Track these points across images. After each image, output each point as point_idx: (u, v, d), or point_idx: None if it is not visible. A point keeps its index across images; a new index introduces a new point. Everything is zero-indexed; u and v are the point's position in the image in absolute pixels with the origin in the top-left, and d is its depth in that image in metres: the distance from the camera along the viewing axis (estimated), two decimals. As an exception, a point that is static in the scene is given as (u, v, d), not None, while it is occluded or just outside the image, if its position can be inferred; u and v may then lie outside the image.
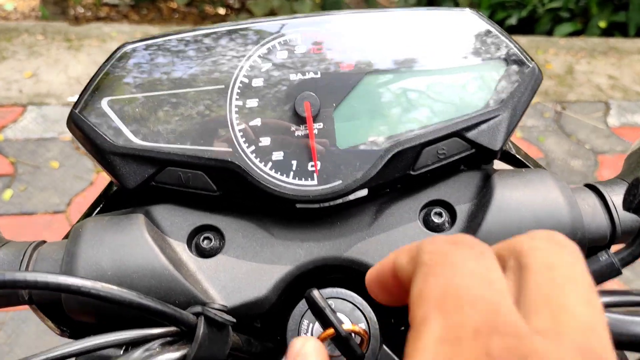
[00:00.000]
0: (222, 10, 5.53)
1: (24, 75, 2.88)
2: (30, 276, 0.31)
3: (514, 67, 0.48)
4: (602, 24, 4.30)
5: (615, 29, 4.36)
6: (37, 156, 2.38)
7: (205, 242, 0.45)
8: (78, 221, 0.49)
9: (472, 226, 0.45)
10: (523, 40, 3.89)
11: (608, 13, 4.34)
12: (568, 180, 2.55)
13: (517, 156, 0.54)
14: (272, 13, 4.83)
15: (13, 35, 3.26)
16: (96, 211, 0.50)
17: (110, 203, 0.51)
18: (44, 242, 0.45)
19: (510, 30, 4.45)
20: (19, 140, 2.45)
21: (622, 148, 2.85)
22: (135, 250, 0.42)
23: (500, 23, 4.54)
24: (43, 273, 0.32)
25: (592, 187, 0.48)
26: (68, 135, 2.45)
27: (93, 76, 0.46)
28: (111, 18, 5.30)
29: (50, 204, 2.16)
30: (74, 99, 0.46)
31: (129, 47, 0.46)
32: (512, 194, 0.45)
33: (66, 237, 0.47)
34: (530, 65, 0.48)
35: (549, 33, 4.41)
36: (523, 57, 0.48)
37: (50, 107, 2.67)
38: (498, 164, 0.52)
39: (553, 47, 3.84)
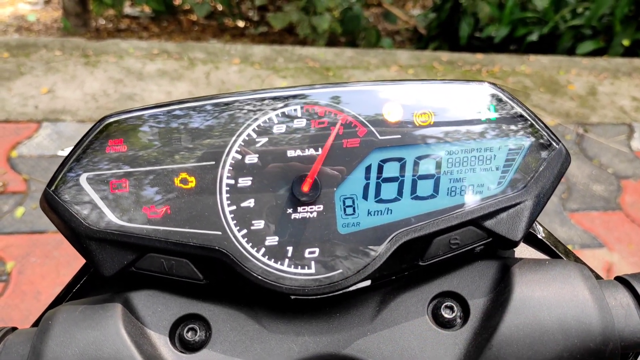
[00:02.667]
0: (241, 23, 5.54)
1: (41, 91, 2.90)
2: None
3: (538, 148, 0.43)
4: (626, 42, 4.21)
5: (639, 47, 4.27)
6: (50, 173, 2.37)
7: (190, 333, 0.41)
8: (51, 304, 0.45)
9: (488, 327, 0.40)
10: (545, 59, 3.81)
11: (632, 31, 4.25)
12: (590, 206, 2.47)
13: (543, 239, 0.48)
14: (290, 27, 4.82)
15: (31, 51, 3.29)
16: (73, 291, 0.46)
17: (89, 283, 0.47)
18: (14, 329, 0.42)
19: (531, 47, 4.37)
20: (33, 157, 2.45)
21: (646, 173, 2.76)
22: (108, 351, 0.38)
23: (521, 39, 4.47)
24: None
25: (624, 282, 0.43)
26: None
27: (71, 151, 0.42)
28: (132, 30, 5.34)
29: (61, 223, 2.15)
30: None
31: (111, 120, 0.42)
32: (533, 293, 0.40)
33: (36, 323, 0.43)
34: (557, 147, 0.43)
35: (571, 50, 4.32)
36: (548, 137, 0.43)
37: (65, 124, 2.67)
38: (519, 246, 0.47)
39: (575, 67, 3.75)
